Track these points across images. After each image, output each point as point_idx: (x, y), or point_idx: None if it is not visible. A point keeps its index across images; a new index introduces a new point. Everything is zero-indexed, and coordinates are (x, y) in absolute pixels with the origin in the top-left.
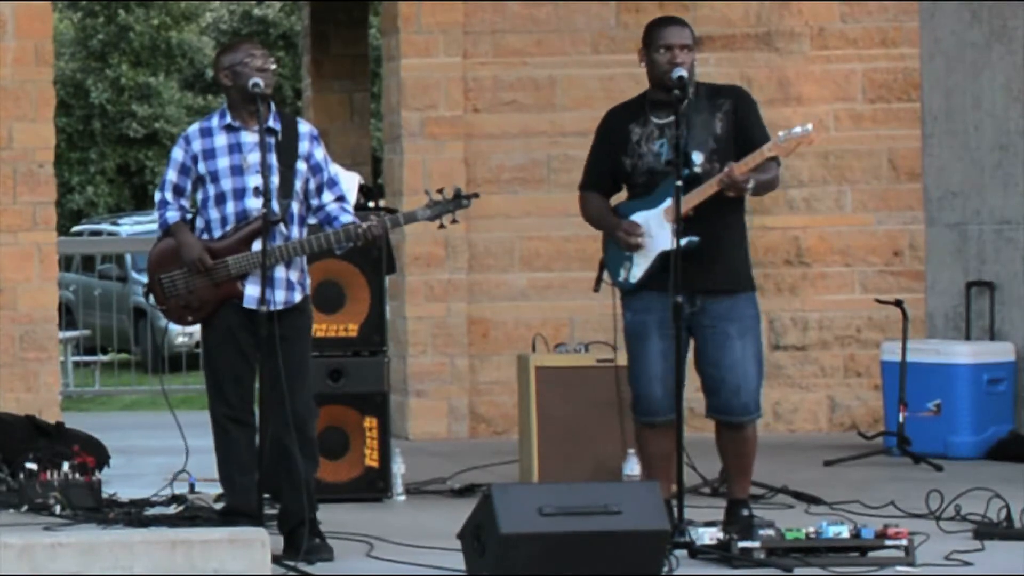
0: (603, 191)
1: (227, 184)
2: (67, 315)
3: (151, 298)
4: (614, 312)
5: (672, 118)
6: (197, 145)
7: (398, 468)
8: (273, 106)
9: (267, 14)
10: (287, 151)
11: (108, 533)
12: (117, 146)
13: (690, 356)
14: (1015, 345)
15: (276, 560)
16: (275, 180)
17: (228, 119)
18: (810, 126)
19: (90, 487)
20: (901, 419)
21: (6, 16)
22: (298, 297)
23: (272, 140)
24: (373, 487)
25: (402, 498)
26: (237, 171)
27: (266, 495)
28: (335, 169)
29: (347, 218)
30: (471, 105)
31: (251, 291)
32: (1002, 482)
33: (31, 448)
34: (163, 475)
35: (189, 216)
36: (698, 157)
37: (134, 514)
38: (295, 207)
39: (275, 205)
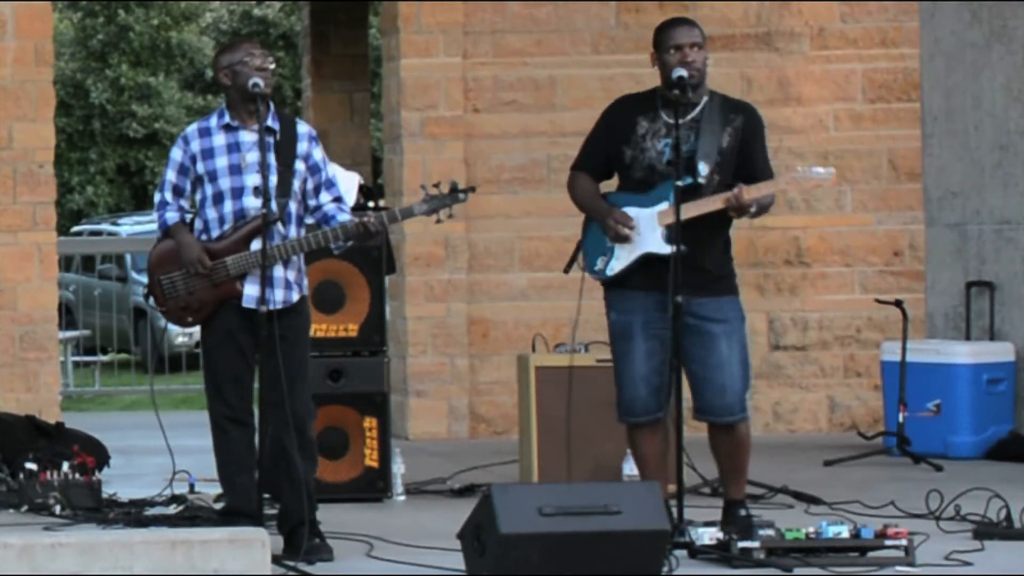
0: (595, 175)
1: (225, 183)
2: (67, 315)
3: (151, 299)
4: (579, 300)
5: (681, 120)
6: (196, 145)
7: (398, 468)
8: (272, 106)
9: (267, 14)
10: (286, 151)
11: (108, 533)
12: (117, 146)
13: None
14: (1015, 345)
15: (276, 560)
16: (273, 179)
17: (227, 119)
18: (831, 171)
19: (90, 487)
20: (901, 419)
21: (6, 16)
22: (296, 297)
23: (271, 140)
24: (373, 487)
25: (402, 498)
26: (235, 170)
27: (266, 495)
28: (333, 170)
29: (345, 219)
30: (471, 105)
31: (250, 291)
32: (1002, 482)
33: (31, 448)
34: (163, 475)
35: (189, 217)
36: (703, 168)
37: (134, 514)
38: (293, 207)
39: (273, 204)
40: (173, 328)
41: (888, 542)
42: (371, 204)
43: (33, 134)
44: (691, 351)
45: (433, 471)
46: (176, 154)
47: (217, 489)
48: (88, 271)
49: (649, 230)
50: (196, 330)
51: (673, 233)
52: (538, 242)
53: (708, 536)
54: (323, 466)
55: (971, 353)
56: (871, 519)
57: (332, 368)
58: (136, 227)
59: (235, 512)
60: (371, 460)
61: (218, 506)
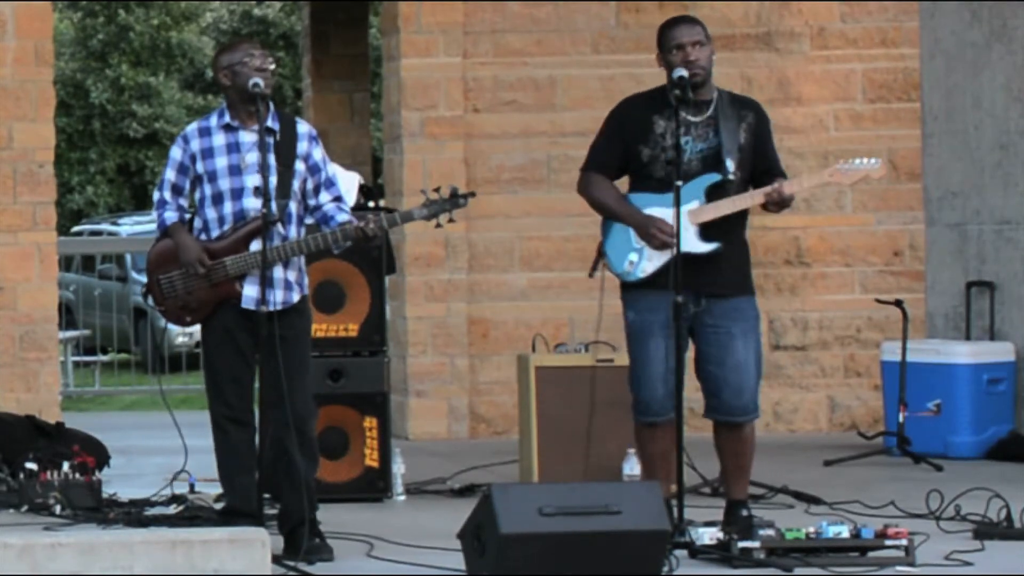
0: (608, 175)
1: (225, 184)
2: (67, 315)
3: (150, 299)
4: (600, 302)
5: (699, 118)
6: (195, 144)
7: (398, 468)
8: (272, 106)
9: (267, 14)
10: (285, 151)
11: (108, 533)
12: (117, 146)
13: (689, 356)
14: (1015, 345)
15: (276, 560)
16: (273, 180)
17: (227, 118)
18: (877, 162)
19: (90, 487)
20: (901, 419)
21: (6, 16)
22: (296, 297)
23: (270, 140)
24: (373, 487)
25: (402, 498)
26: (235, 171)
27: (266, 495)
28: (333, 169)
29: (344, 218)
30: (471, 105)
31: (249, 291)
32: (1002, 482)
33: (31, 448)
34: (163, 475)
35: (188, 217)
36: (731, 163)
37: (134, 514)
38: (293, 207)
39: (273, 205)
40: (173, 328)
41: (888, 542)
42: (371, 204)
43: (33, 134)
44: (707, 351)
45: (433, 471)
46: (176, 153)
47: (217, 489)
48: (88, 271)
49: (682, 230)
50: (196, 330)
51: (708, 231)
52: (538, 242)
53: (708, 536)
54: (323, 466)
55: (971, 353)
56: (871, 519)
57: (332, 368)
58: (136, 227)
59: (235, 512)
60: (371, 460)
61: (218, 506)
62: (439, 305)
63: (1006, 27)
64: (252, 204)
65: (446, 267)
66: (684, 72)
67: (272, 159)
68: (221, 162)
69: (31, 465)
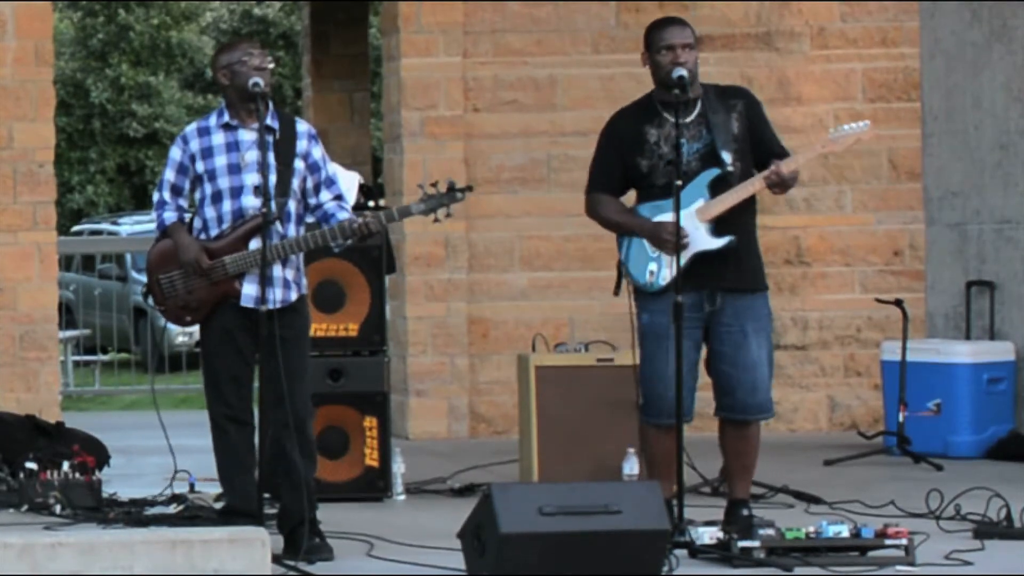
0: (613, 193)
1: (224, 183)
2: (67, 315)
3: (151, 299)
4: (630, 311)
5: (688, 118)
6: (195, 144)
7: (398, 468)
8: (271, 104)
9: (267, 14)
10: (285, 150)
11: (108, 533)
12: (117, 146)
13: (701, 355)
14: (1015, 345)
15: (276, 560)
16: (273, 179)
17: (226, 118)
18: (865, 123)
19: (90, 487)
20: (901, 419)
21: (6, 16)
22: (295, 296)
23: (270, 139)
24: (373, 487)
25: (402, 498)
26: (235, 169)
27: (266, 495)
28: (333, 168)
29: (345, 216)
30: (471, 105)
31: (248, 290)
32: (1002, 482)
33: (31, 448)
34: (163, 475)
35: (187, 216)
36: (727, 156)
37: (134, 514)
38: (292, 205)
39: (273, 204)
40: (173, 328)
41: (888, 542)
42: (371, 204)
43: (33, 134)
44: (721, 350)
45: (433, 471)
46: (175, 153)
47: (217, 489)
48: (88, 271)
49: (693, 229)
50: (196, 329)
51: (719, 227)
52: (538, 242)
53: (708, 536)
54: (323, 466)
55: (971, 353)
56: (871, 519)
57: (332, 368)
58: (136, 227)
59: (235, 512)
60: (371, 460)
61: (218, 506)
62: (439, 305)
63: (1006, 27)
64: (251, 203)
65: (446, 267)
66: (684, 72)
67: (271, 157)
68: (220, 161)
69: (31, 465)
